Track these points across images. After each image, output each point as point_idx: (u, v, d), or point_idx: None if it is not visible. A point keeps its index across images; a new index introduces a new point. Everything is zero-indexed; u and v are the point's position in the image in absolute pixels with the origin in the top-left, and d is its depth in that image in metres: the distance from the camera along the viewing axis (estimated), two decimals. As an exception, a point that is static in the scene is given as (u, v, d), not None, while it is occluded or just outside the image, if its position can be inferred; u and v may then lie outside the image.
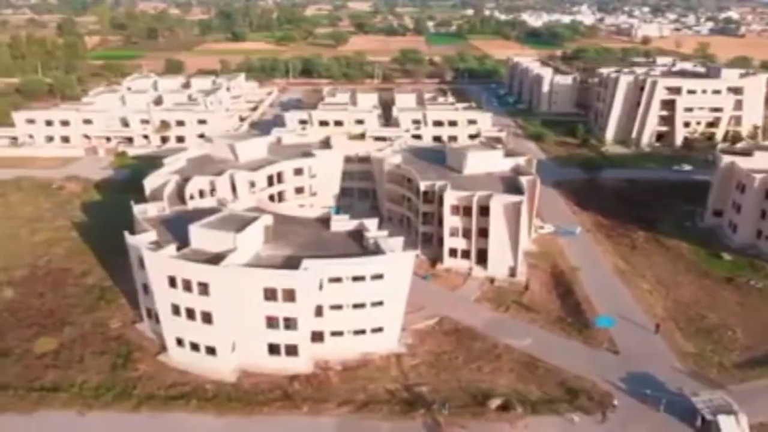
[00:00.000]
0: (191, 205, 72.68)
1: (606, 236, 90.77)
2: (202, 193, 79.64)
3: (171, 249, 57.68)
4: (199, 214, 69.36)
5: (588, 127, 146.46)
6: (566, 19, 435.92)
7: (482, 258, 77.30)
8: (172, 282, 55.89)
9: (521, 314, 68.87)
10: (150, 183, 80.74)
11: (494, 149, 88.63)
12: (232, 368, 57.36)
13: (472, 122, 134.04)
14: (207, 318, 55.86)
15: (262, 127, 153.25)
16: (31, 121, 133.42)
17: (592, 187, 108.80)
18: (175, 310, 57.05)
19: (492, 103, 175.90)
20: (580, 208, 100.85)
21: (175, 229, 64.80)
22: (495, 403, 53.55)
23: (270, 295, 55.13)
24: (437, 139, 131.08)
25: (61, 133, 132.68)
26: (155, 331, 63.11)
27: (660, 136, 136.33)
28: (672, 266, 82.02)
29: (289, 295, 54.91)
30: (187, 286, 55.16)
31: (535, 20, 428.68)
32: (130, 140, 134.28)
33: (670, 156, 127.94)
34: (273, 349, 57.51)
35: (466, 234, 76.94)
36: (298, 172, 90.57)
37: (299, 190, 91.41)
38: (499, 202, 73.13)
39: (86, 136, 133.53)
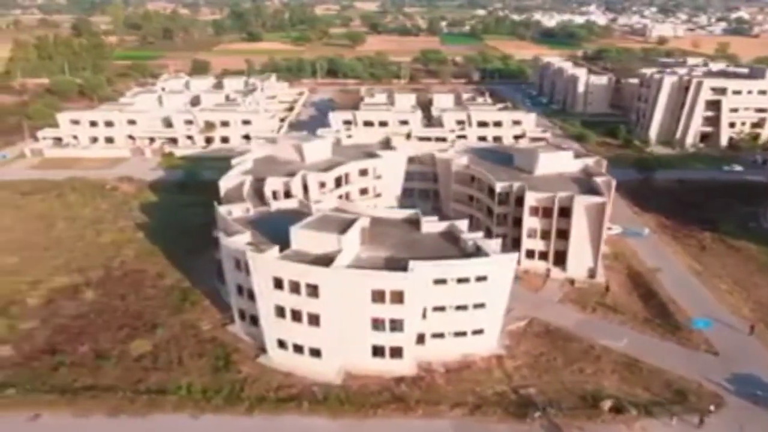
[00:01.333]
0: (273, 206, 72.23)
1: (672, 237, 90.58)
2: (275, 194, 79.49)
3: (274, 251, 57.44)
4: (283, 215, 69.81)
5: (628, 127, 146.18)
6: (580, 19, 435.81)
7: (559, 259, 77.19)
8: (278, 284, 55.63)
9: (608, 315, 68.66)
10: (225, 184, 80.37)
11: (564, 150, 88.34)
12: (336, 370, 57.13)
13: (516, 123, 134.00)
14: (314, 320, 55.61)
15: (299, 128, 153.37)
16: (75, 122, 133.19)
17: (647, 188, 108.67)
18: (280, 311, 56.80)
19: (525, 103, 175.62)
20: (639, 209, 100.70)
21: (262, 230, 64.68)
22: (607, 404, 53.35)
23: (378, 296, 54.86)
24: (482, 139, 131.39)
25: (106, 134, 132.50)
26: (249, 332, 63.01)
27: (704, 137, 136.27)
28: (744, 267, 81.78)
29: (398, 297, 54.66)
30: (295, 288, 54.89)
31: (548, 20, 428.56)
32: (173, 141, 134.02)
33: (718, 157, 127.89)
34: (377, 351, 57.26)
35: (545, 235, 76.72)
36: (364, 173, 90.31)
37: (364, 191, 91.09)
38: (581, 203, 72.93)
39: (130, 137, 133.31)
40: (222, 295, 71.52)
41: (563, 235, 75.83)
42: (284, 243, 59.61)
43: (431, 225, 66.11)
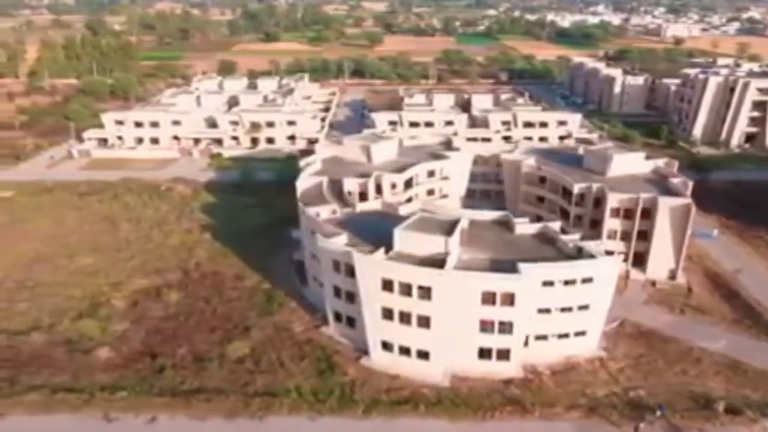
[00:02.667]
0: (358, 207, 72.03)
1: (740, 238, 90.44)
2: (350, 195, 79.22)
3: (380, 253, 57.30)
4: (370, 216, 69.86)
5: (669, 128, 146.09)
6: (594, 19, 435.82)
7: (638, 261, 77.04)
8: (387, 285, 55.53)
9: (697, 317, 68.58)
10: (302, 185, 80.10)
11: (635, 151, 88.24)
12: (443, 372, 56.99)
13: (561, 123, 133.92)
14: (424, 322, 55.49)
15: (337, 128, 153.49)
16: (119, 123, 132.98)
17: (704, 189, 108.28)
18: (387, 313, 56.68)
19: (559, 104, 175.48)
20: (701, 210, 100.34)
21: (352, 231, 64.40)
22: (721, 406, 53.22)
23: (488, 299, 54.74)
24: (527, 140, 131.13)
25: (151, 135, 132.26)
26: (345, 334, 62.89)
27: (749, 137, 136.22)
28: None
29: (509, 299, 54.54)
30: (406, 290, 54.78)
31: (560, 21, 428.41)
32: (218, 142, 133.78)
33: (765, 157, 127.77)
34: (483, 353, 57.14)
35: (624, 236, 76.60)
36: (431, 174, 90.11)
37: (430, 192, 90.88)
38: (666, 205, 72.84)
39: (176, 138, 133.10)
40: (306, 297, 71.63)
41: (643, 236, 75.81)
42: (378, 244, 59.80)
43: (524, 226, 65.99)
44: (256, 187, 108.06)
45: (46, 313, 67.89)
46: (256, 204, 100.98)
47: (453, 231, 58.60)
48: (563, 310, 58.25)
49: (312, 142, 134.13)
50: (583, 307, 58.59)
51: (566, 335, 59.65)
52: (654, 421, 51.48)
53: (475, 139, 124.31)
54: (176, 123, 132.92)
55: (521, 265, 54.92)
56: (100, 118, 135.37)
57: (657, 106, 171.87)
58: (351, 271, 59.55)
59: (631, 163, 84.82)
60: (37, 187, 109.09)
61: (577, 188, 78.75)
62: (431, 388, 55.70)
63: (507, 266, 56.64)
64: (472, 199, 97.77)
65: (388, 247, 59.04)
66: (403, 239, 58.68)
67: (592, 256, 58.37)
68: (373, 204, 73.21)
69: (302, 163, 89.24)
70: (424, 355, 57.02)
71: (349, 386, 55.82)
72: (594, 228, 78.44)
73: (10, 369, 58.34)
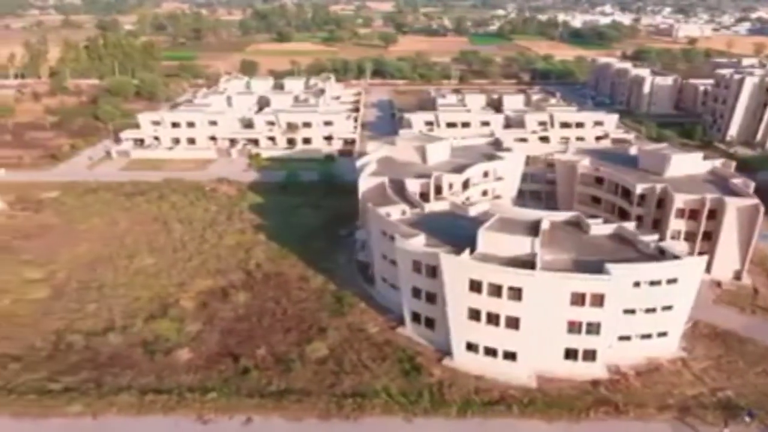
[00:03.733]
0: (426, 207, 71.98)
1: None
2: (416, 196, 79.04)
3: (466, 254, 57.26)
4: (440, 216, 69.90)
5: (703, 128, 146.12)
6: (605, 19, 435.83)
7: (701, 261, 77.00)
8: (475, 286, 55.48)
9: (768, 317, 68.69)
10: (364, 185, 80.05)
11: (692, 152, 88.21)
12: (529, 373, 56.96)
13: (598, 124, 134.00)
14: (513, 323, 55.41)
15: (369, 129, 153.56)
16: (156, 123, 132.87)
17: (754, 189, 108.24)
18: (473, 314, 56.62)
19: (587, 104, 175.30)
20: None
21: (423, 231, 64.30)
22: (813, 408, 53.25)
23: (577, 299, 54.71)
24: (564, 140, 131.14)
25: (188, 135, 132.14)
26: (424, 335, 62.88)
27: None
28: None
29: (598, 300, 54.46)
30: (496, 291, 54.73)
31: (571, 20, 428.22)
32: (254, 142, 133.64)
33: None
34: (569, 353, 57.11)
35: (689, 237, 76.53)
36: (486, 174, 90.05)
37: (484, 193, 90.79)
38: (734, 205, 72.82)
39: (212, 138, 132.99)
40: (375, 297, 71.55)
41: (707, 236, 75.77)
42: (453, 245, 59.97)
43: (599, 227, 65.93)
44: (301, 187, 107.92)
45: (117, 314, 67.81)
46: (304, 204, 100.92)
47: (537, 232, 58.58)
48: (648, 310, 58.22)
49: (348, 142, 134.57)
50: (667, 308, 58.56)
51: (649, 336, 59.62)
52: (749, 423, 51.44)
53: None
54: (213, 123, 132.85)
55: (610, 266, 54.84)
56: (131, 119, 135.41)
57: (685, 106, 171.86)
58: (433, 272, 59.73)
59: (688, 163, 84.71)
60: (82, 187, 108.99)
61: (639, 189, 78.71)
62: (519, 389, 55.64)
63: (592, 267, 56.63)
64: (522, 199, 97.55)
65: (464, 247, 59.12)
66: (487, 240, 58.65)
67: (676, 257, 58.34)
68: (440, 204, 73.18)
69: (358, 163, 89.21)
70: (510, 356, 56.93)
71: (437, 387, 55.74)
72: (655, 228, 78.41)
73: (92, 370, 58.29)
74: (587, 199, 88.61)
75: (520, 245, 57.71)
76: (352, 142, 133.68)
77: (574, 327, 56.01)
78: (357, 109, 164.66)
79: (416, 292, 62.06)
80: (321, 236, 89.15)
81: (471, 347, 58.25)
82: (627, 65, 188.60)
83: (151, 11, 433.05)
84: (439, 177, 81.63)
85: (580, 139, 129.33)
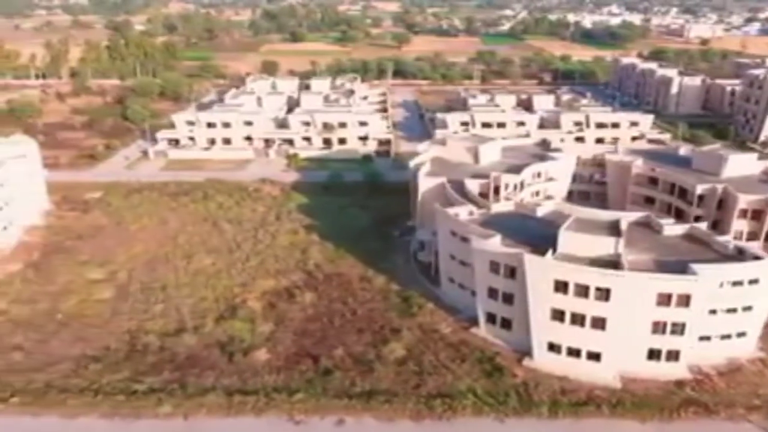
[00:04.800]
0: (493, 208, 71.97)
1: None
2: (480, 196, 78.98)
3: (550, 254, 57.26)
4: (505, 217, 69.97)
5: (735, 128, 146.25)
6: (615, 19, 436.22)
7: (762, 261, 77.02)
8: (559, 287, 55.47)
9: (837, 318, 68.57)
10: (423, 186, 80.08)
11: (747, 152, 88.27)
12: (613, 374, 56.91)
13: (634, 124, 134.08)
14: (599, 323, 55.35)
15: (400, 129, 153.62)
16: (191, 123, 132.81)
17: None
18: (557, 315, 56.62)
19: (614, 104, 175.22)
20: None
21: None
22: None
23: (663, 300, 54.66)
24: (599, 141, 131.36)
25: (223, 135, 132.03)
26: (500, 335, 62.82)
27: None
28: None
29: (684, 301, 54.42)
30: (582, 292, 54.70)
31: (582, 21, 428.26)
32: (289, 142, 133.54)
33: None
34: (653, 354, 57.07)
35: (750, 237, 76.55)
36: (538, 175, 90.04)
37: (536, 194, 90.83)
38: (801, 205, 72.94)
39: (247, 138, 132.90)
40: (441, 298, 71.44)
41: (769, 237, 75.94)
42: (528, 245, 60.08)
43: (671, 227, 65.94)
44: (344, 187, 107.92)
45: (186, 315, 67.56)
46: (351, 204, 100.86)
47: (619, 232, 58.61)
48: (729, 311, 58.19)
49: (382, 142, 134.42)
50: (747, 308, 58.50)
51: (728, 336, 59.57)
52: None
53: (543, 140, 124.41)
54: (248, 124, 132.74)
55: (696, 267, 54.84)
56: (159, 119, 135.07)
57: (711, 107, 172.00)
58: (511, 273, 59.78)
59: (744, 163, 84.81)
60: (125, 187, 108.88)
61: (700, 189, 78.74)
62: (604, 389, 55.59)
63: (674, 267, 56.74)
64: (569, 200, 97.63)
65: (536, 247, 59.17)
66: (568, 240, 58.66)
67: (757, 258, 58.37)
68: (505, 205, 73.20)
69: (411, 164, 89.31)
70: (594, 356, 56.88)
71: (523, 388, 55.72)
72: (714, 229, 78.37)
73: (173, 371, 58.20)
74: (640, 200, 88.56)
75: (604, 246, 57.77)
76: (387, 142, 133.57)
77: (658, 327, 55.95)
78: (385, 110, 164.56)
79: (492, 293, 62.01)
80: (373, 236, 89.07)
81: (553, 348, 58.19)
82: (652, 65, 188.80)
83: (161, 12, 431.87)
84: (498, 177, 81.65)
85: (615, 139, 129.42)
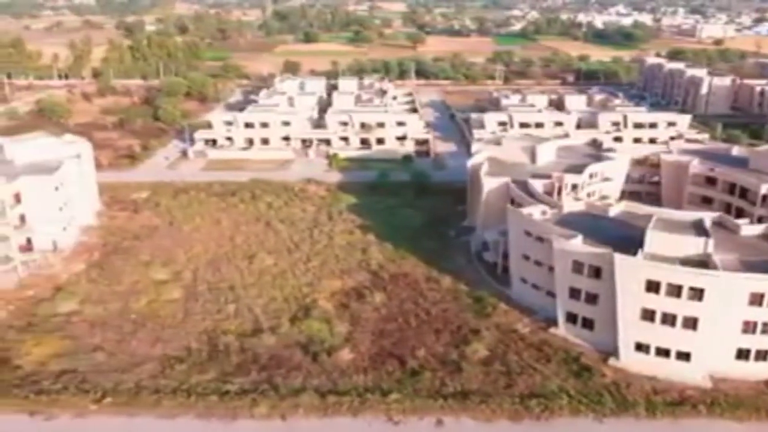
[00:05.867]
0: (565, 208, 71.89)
1: None
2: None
3: (640, 255, 57.18)
4: (578, 216, 69.90)
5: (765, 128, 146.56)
6: (627, 20, 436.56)
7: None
8: (651, 287, 55.39)
9: None
10: (488, 186, 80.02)
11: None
12: (702, 374, 56.82)
13: (671, 124, 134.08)
14: (691, 323, 55.25)
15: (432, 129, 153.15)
16: (228, 123, 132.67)
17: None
18: (646, 315, 56.54)
19: (642, 104, 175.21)
20: None
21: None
22: None
23: (755, 300, 54.59)
24: (637, 141, 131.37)
25: (261, 135, 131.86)
26: (580, 335, 62.70)
27: None
28: None
29: (777, 300, 54.53)
30: (675, 292, 54.62)
31: (592, 21, 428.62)
32: (326, 142, 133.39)
33: None
34: (741, 353, 57.00)
35: (816, 237, 76.52)
36: (593, 175, 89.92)
37: (590, 194, 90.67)
38: None
39: (285, 138, 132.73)
40: (512, 297, 71.26)
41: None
42: (609, 244, 59.64)
43: (748, 227, 65.93)
44: (391, 187, 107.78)
45: (259, 315, 67.55)
46: (400, 205, 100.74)
47: (706, 232, 58.57)
48: (817, 310, 58.17)
49: (419, 142, 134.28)
50: (834, 309, 58.52)
51: (811, 336, 59.57)
52: None
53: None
54: (286, 124, 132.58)
55: (787, 266, 54.88)
56: (190, 119, 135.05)
57: (740, 106, 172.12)
58: (596, 272, 59.73)
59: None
60: (170, 188, 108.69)
61: (764, 189, 78.70)
62: (695, 389, 55.52)
63: (761, 267, 56.71)
64: (622, 200, 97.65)
65: (617, 247, 59.04)
66: (655, 240, 58.57)
67: None
68: (576, 205, 73.15)
69: (469, 163, 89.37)
70: (684, 356, 56.78)
71: (614, 388, 55.64)
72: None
73: (260, 371, 58.02)
74: (697, 200, 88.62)
75: (693, 245, 57.80)
76: (424, 142, 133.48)
77: (749, 327, 55.90)
78: (415, 110, 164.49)
79: (574, 293, 61.92)
80: (428, 236, 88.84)
81: (640, 347, 58.09)
82: (680, 65, 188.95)
83: (173, 12, 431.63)
84: (561, 177, 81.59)
85: (653, 140, 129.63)
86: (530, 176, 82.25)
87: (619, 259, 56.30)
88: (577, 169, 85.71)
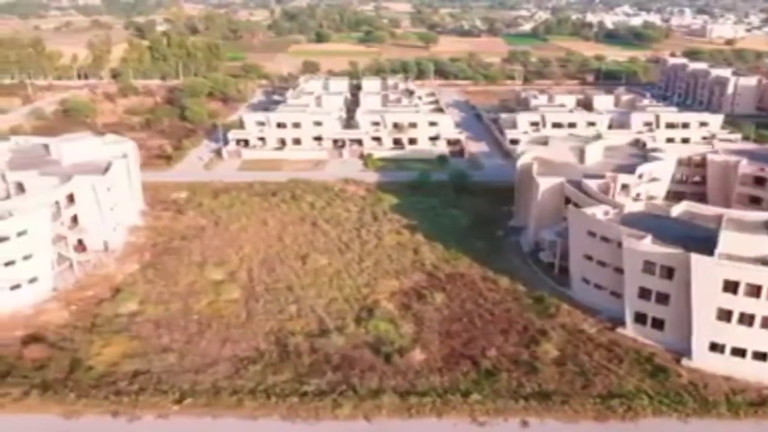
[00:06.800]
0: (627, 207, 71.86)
1: None
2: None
3: (717, 255, 57.13)
4: (640, 216, 69.88)
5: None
6: (636, 20, 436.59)
7: None
8: (728, 287, 55.35)
9: None
10: (543, 186, 79.93)
11: None
12: (781, 374, 56.90)
13: (703, 124, 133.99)
14: (769, 323, 55.40)
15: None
16: (261, 123, 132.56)
17: None
18: (723, 315, 56.48)
19: (669, 105, 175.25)
20: None
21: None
22: None
23: (834, 299, 54.70)
24: (669, 141, 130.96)
25: (294, 135, 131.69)
26: (650, 336, 62.60)
27: None
28: None
29: None
30: (754, 292, 54.58)
31: (602, 21, 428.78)
32: (358, 142, 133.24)
33: None
34: (817, 354, 57.08)
35: None
36: (642, 176, 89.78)
37: (638, 195, 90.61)
38: None
39: (317, 138, 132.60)
40: (573, 298, 71.14)
41: None
42: (675, 244, 59.89)
43: (813, 227, 65.87)
44: (430, 187, 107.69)
45: (323, 315, 67.47)
46: (443, 205, 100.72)
47: (780, 232, 58.62)
48: None
49: (451, 142, 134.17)
50: None
51: None
52: None
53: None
54: (318, 123, 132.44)
55: None
56: (213, 119, 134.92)
57: (765, 106, 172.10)
58: (669, 273, 59.70)
59: None
60: (209, 188, 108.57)
61: (819, 189, 78.86)
62: (773, 389, 55.64)
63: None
64: (666, 200, 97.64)
65: (687, 247, 59.02)
66: (729, 240, 58.47)
67: None
68: (636, 205, 73.13)
69: (519, 163, 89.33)
70: (761, 356, 56.73)
71: (692, 388, 55.60)
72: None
73: (334, 372, 57.89)
74: (745, 200, 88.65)
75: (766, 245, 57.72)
76: (456, 142, 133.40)
77: (824, 327, 55.95)
78: (440, 110, 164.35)
79: (644, 293, 61.87)
80: (477, 236, 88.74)
81: (715, 347, 58.01)
82: (704, 66, 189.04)
83: (179, 12, 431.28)
84: (615, 177, 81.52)
85: (685, 140, 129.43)
86: (582, 176, 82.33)
87: (696, 259, 56.23)
88: (626, 169, 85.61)
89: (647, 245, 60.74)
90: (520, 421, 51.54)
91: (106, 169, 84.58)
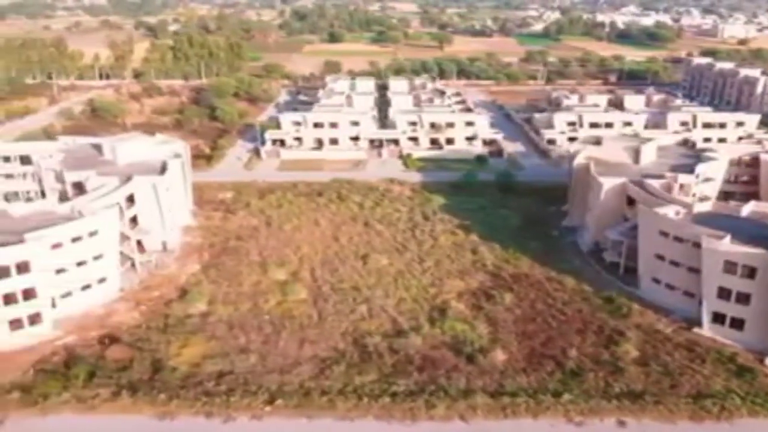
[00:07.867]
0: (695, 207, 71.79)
1: None
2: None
3: (803, 254, 57.15)
4: (709, 217, 69.83)
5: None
6: (648, 20, 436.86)
7: None
8: (817, 287, 55.41)
9: None
10: (606, 186, 79.81)
11: None
12: None
13: (740, 124, 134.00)
14: None
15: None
16: (297, 123, 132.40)
17: None
18: (810, 315, 56.55)
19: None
20: None
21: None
22: None
23: None
24: (707, 140, 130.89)
25: (331, 135, 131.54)
26: (728, 335, 62.49)
27: None
28: None
29: None
30: None
31: (611, 20, 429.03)
32: (394, 142, 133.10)
33: None
34: None
35: None
36: (698, 176, 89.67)
37: (694, 195, 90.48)
38: None
39: (354, 138, 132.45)
40: (643, 298, 70.93)
41: None
42: (752, 243, 60.03)
43: None
44: (476, 187, 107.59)
45: (395, 315, 67.34)
46: (491, 205, 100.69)
47: None
48: None
49: (487, 142, 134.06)
50: None
51: None
52: None
53: (649, 140, 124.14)
54: (355, 123, 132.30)
55: None
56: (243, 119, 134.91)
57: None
58: (750, 273, 59.65)
59: None
60: (253, 188, 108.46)
61: None
62: None
63: None
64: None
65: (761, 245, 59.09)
66: (812, 240, 58.51)
67: None
68: (704, 205, 73.08)
69: (574, 163, 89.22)
70: None
71: (779, 388, 55.64)
72: None
73: (419, 372, 57.74)
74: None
75: None
76: (492, 142, 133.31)
77: None
78: (469, 110, 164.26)
79: (723, 293, 61.80)
80: (532, 236, 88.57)
81: (799, 348, 58.10)
82: (731, 65, 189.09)
83: (185, 12, 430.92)
84: (675, 177, 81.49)
85: (722, 140, 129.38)
86: (640, 177, 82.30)
87: (784, 259, 56.25)
88: (680, 169, 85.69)
89: (728, 245, 60.67)
90: (617, 420, 51.46)
91: (163, 169, 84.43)
